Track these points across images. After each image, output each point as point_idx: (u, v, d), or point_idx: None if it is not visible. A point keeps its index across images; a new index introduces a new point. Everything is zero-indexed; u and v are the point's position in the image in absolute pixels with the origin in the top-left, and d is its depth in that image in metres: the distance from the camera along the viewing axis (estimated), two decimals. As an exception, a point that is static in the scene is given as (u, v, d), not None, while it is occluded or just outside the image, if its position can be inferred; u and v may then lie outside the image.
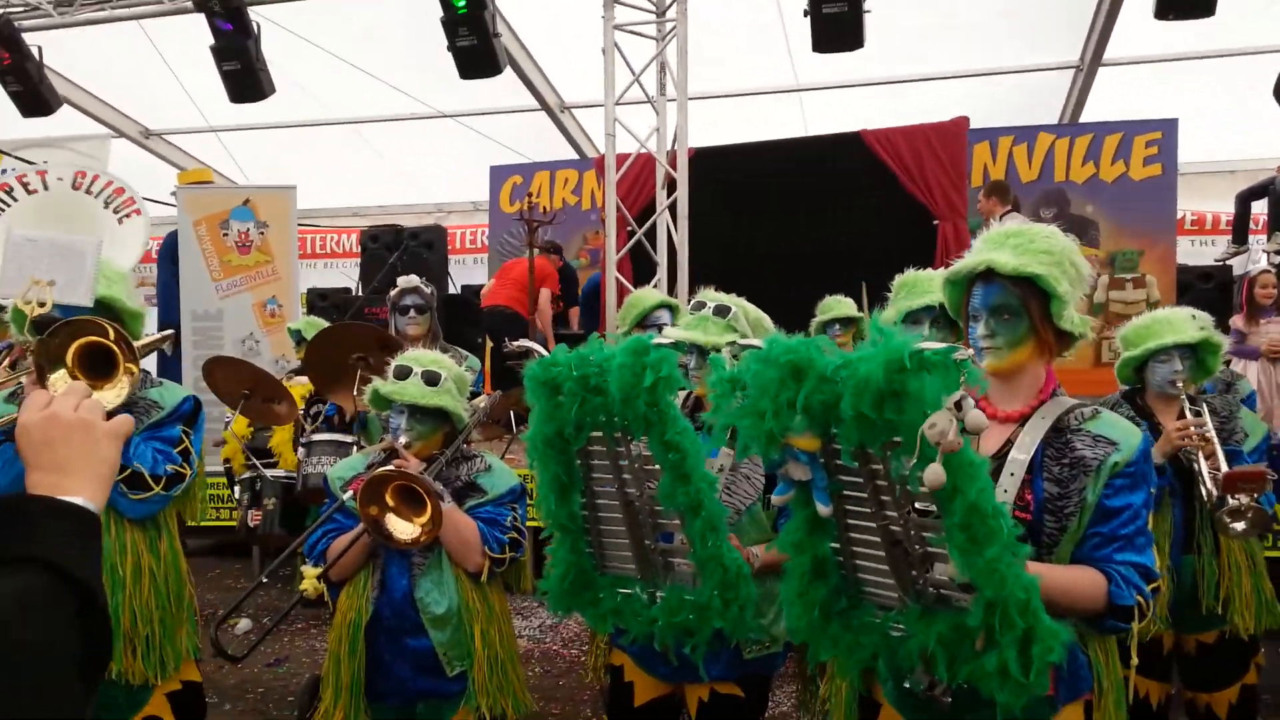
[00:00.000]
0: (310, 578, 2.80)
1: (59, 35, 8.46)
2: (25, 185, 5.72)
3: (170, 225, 9.38)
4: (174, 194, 9.19)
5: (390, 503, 2.78)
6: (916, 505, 1.74)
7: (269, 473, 5.63)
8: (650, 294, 5.58)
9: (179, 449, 2.88)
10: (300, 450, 4.98)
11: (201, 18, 7.56)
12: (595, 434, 2.31)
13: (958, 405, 1.61)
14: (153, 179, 11.25)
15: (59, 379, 2.18)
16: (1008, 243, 2.07)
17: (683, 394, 2.88)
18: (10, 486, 2.78)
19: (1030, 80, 10.02)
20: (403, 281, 5.12)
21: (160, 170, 11.64)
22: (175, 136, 12.06)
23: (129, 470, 2.75)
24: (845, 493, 1.83)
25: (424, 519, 2.75)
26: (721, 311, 2.84)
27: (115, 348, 2.25)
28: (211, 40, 7.63)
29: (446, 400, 3.01)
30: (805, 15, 6.77)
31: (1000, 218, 7.45)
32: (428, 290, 5.13)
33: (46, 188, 5.60)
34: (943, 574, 1.76)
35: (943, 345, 1.65)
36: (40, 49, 8.26)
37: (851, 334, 5.95)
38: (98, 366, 2.25)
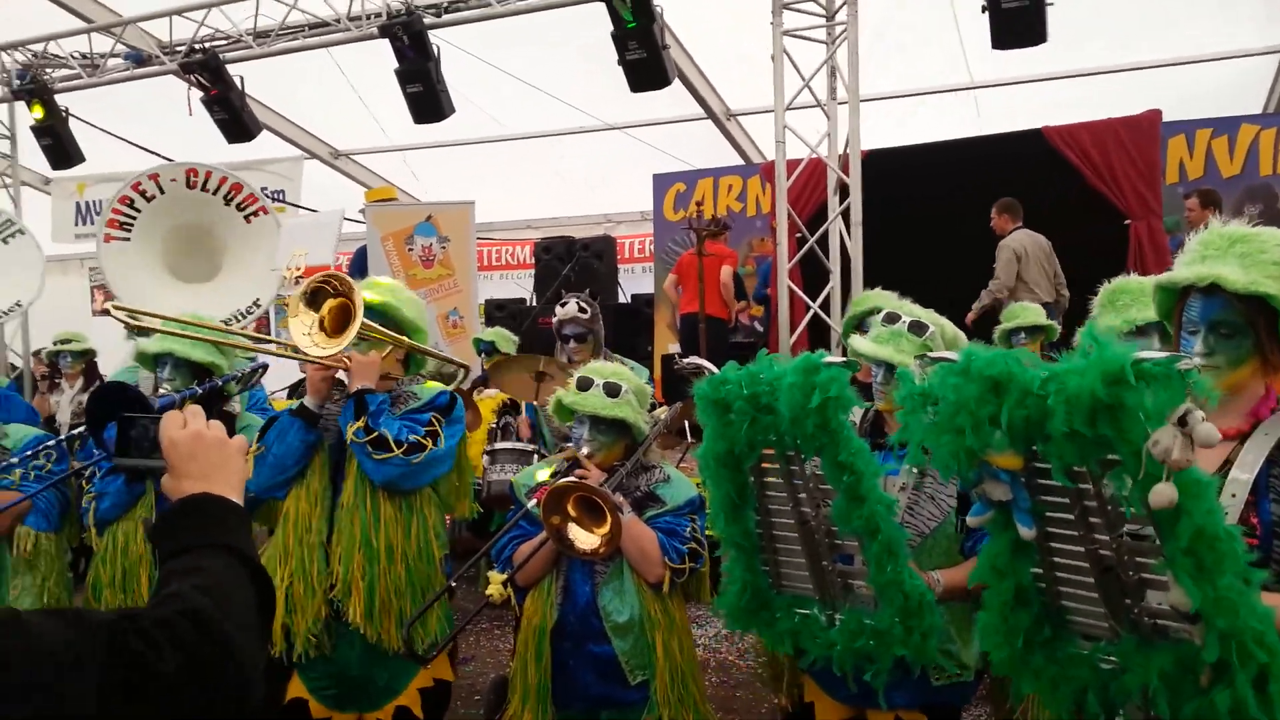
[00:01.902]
0: (496, 583, 2.87)
1: (257, 65, 9.07)
2: (143, 193, 6.14)
3: (360, 241, 9.92)
4: (363, 211, 9.72)
5: (572, 513, 2.83)
6: (1128, 528, 1.63)
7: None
8: (874, 297, 5.36)
9: (427, 429, 3.03)
10: (485, 458, 5.16)
11: (386, 43, 7.95)
12: (767, 452, 2.28)
13: (1181, 420, 1.49)
14: (342, 197, 11.93)
15: (305, 315, 2.79)
16: (1232, 250, 1.85)
17: (860, 412, 2.81)
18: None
19: (1229, 68, 9.31)
20: (560, 312, 5.12)
21: (349, 188, 12.32)
22: (362, 156, 12.74)
23: (375, 433, 2.93)
24: (1049, 514, 1.72)
25: (604, 530, 2.77)
26: (918, 329, 2.70)
27: (355, 309, 2.72)
28: (395, 64, 8.02)
29: (627, 412, 3.04)
30: (983, 11, 6.51)
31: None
32: (585, 315, 5.12)
33: (162, 191, 6.00)
34: (1161, 602, 1.62)
35: (1165, 355, 1.53)
36: (242, 79, 8.88)
37: (1039, 342, 5.67)
38: (342, 323, 2.77)
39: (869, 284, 7.37)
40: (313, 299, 2.83)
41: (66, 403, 7.80)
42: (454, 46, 8.53)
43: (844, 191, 7.01)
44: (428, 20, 7.97)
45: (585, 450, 3.04)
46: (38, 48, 9.56)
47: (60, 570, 3.43)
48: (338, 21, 8.40)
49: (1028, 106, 9.47)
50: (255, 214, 5.87)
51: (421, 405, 3.13)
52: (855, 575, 2.27)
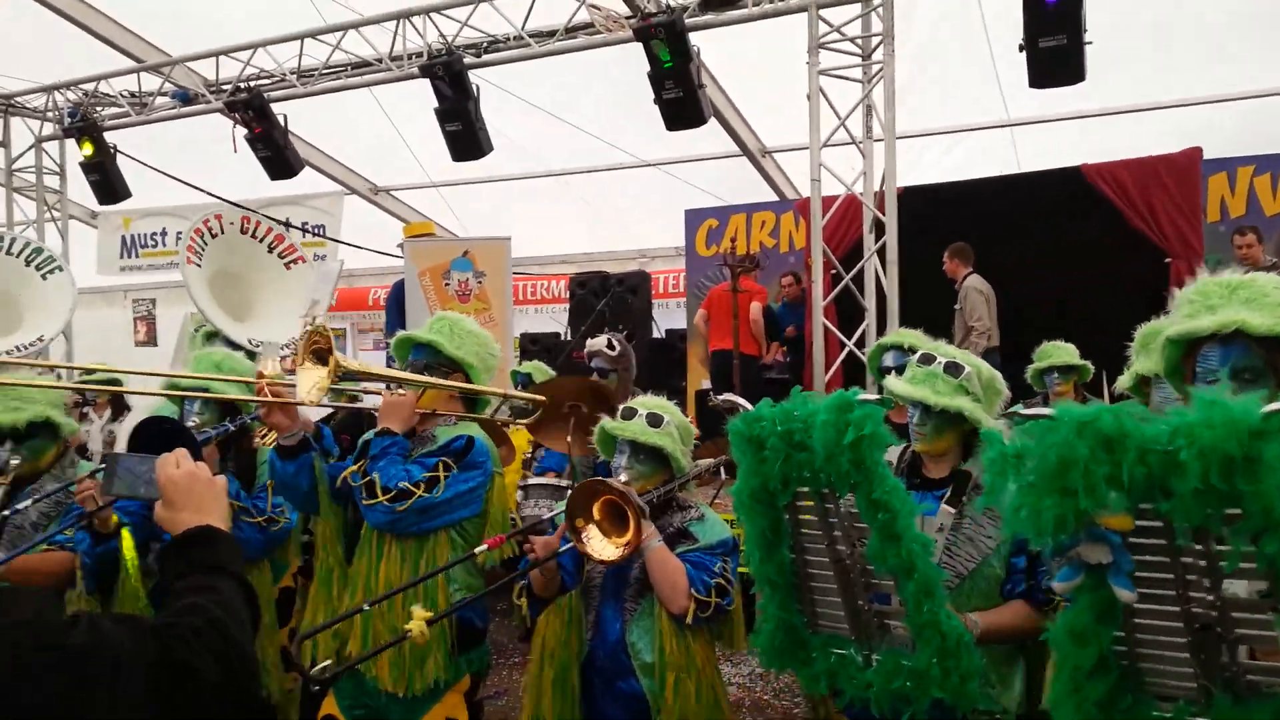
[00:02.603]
0: (419, 619, 2.84)
1: (300, 103, 9.26)
2: (210, 230, 6.34)
3: (398, 275, 10.03)
4: (400, 246, 9.84)
5: (596, 517, 2.80)
6: (1231, 585, 1.59)
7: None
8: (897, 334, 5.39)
9: (427, 475, 3.01)
10: (519, 493, 5.17)
11: (426, 83, 8.09)
12: (802, 489, 2.27)
13: None
14: (382, 232, 12.10)
15: (312, 371, 2.90)
16: (1235, 296, 1.87)
17: (897, 451, 2.79)
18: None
19: (1271, 105, 9.22)
20: (590, 343, 5.20)
21: (388, 224, 12.49)
22: (401, 192, 12.92)
23: (367, 478, 2.96)
24: (1142, 574, 1.66)
25: (624, 540, 2.74)
26: (954, 369, 2.67)
27: (330, 360, 2.84)
28: (435, 103, 8.15)
29: (667, 441, 3.03)
30: (1020, 50, 6.50)
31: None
32: (613, 352, 5.16)
33: (223, 231, 6.21)
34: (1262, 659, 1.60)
35: None
36: (285, 117, 9.06)
37: (1073, 382, 5.60)
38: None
39: (904, 322, 7.35)
40: (319, 356, 2.93)
41: (97, 432, 7.92)
42: (492, 84, 8.66)
43: (879, 229, 7.00)
44: (467, 60, 8.11)
45: (624, 478, 3.02)
46: (89, 86, 9.83)
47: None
48: (379, 61, 8.56)
49: (1066, 144, 9.44)
50: (294, 262, 6.07)
51: (434, 450, 3.12)
52: (892, 615, 2.24)
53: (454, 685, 3.10)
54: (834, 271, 7.30)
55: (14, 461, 3.30)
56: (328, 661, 2.82)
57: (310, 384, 2.89)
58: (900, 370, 4.79)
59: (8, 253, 6.18)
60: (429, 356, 3.21)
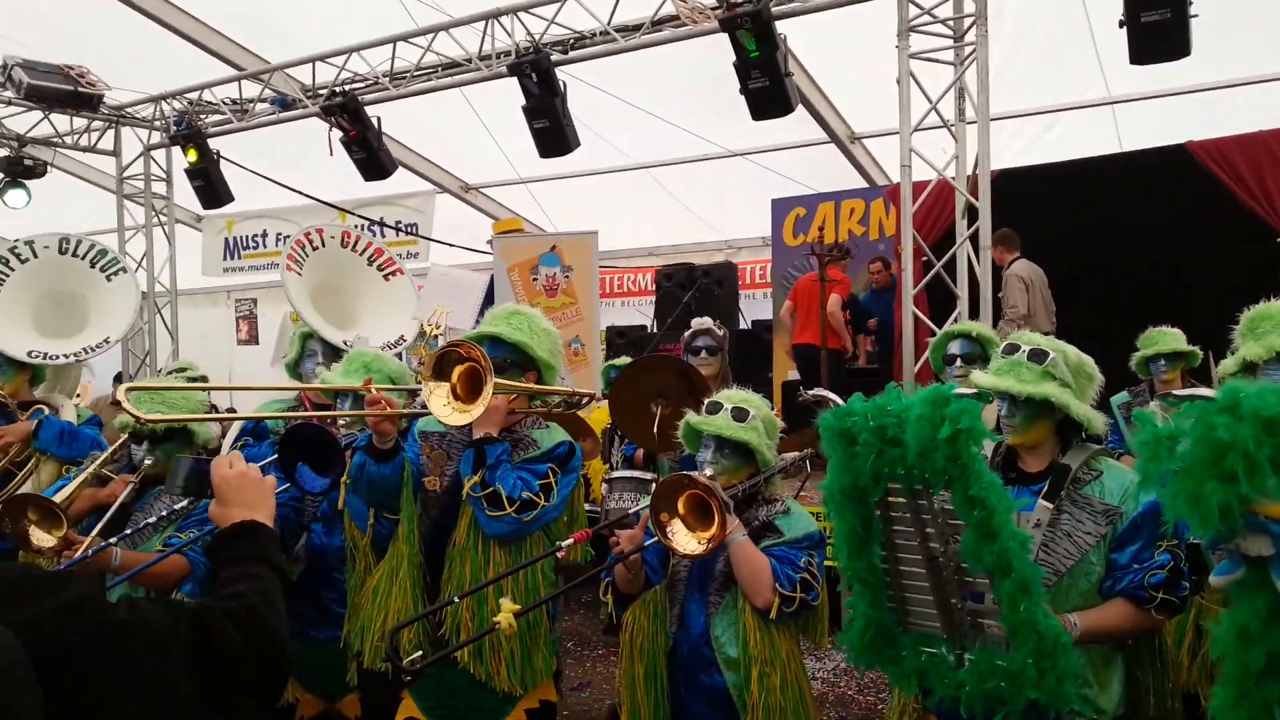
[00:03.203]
0: (507, 611, 2.86)
1: (393, 105, 9.45)
2: (311, 242, 6.51)
3: (487, 271, 10.20)
4: (490, 243, 10.00)
5: (681, 511, 2.82)
6: None
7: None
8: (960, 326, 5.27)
9: (541, 482, 3.06)
10: (603, 486, 5.21)
11: (514, 81, 8.18)
12: (894, 485, 2.24)
13: None
14: (472, 229, 12.30)
15: (438, 389, 2.87)
16: None
17: (991, 446, 2.73)
18: None
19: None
20: (695, 323, 5.24)
21: (478, 221, 12.68)
22: (490, 189, 13.11)
23: (490, 489, 2.99)
24: None
25: (708, 534, 2.75)
26: (1038, 356, 2.59)
27: (485, 374, 2.80)
28: (523, 101, 8.23)
29: (752, 436, 3.03)
30: (1120, 26, 6.26)
31: None
32: (720, 332, 5.21)
33: (324, 244, 6.39)
34: None
35: None
36: (379, 119, 9.27)
37: (1179, 370, 5.38)
38: (474, 385, 2.85)
39: (998, 310, 7.18)
40: (439, 369, 2.90)
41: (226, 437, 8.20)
42: (579, 80, 8.71)
43: (972, 214, 6.84)
44: (554, 57, 8.17)
45: (708, 472, 3.03)
46: (193, 95, 10.21)
47: None
48: (469, 61, 8.69)
49: (1171, 120, 9.04)
50: (392, 274, 6.23)
51: (540, 455, 3.16)
52: (986, 614, 2.20)
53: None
54: (925, 259, 7.17)
55: (147, 461, 3.45)
56: (417, 653, 2.88)
57: (441, 403, 2.89)
58: (966, 360, 4.72)
59: (74, 254, 6.43)
60: (510, 354, 3.22)
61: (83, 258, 6.41)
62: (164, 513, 3.37)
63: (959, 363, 4.81)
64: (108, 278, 6.48)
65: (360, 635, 3.24)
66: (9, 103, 9.65)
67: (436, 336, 3.03)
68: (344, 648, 3.40)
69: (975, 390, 2.54)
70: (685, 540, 2.78)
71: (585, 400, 3.66)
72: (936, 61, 6.91)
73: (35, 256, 6.25)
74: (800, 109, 8.24)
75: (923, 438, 2.05)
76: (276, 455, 3.05)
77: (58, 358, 5.97)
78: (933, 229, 8.05)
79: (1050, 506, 2.49)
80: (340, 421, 3.56)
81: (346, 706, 3.59)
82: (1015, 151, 9.69)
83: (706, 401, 3.16)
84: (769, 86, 7.12)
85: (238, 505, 1.81)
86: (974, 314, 6.81)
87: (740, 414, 3.05)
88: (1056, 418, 2.57)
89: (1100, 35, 8.03)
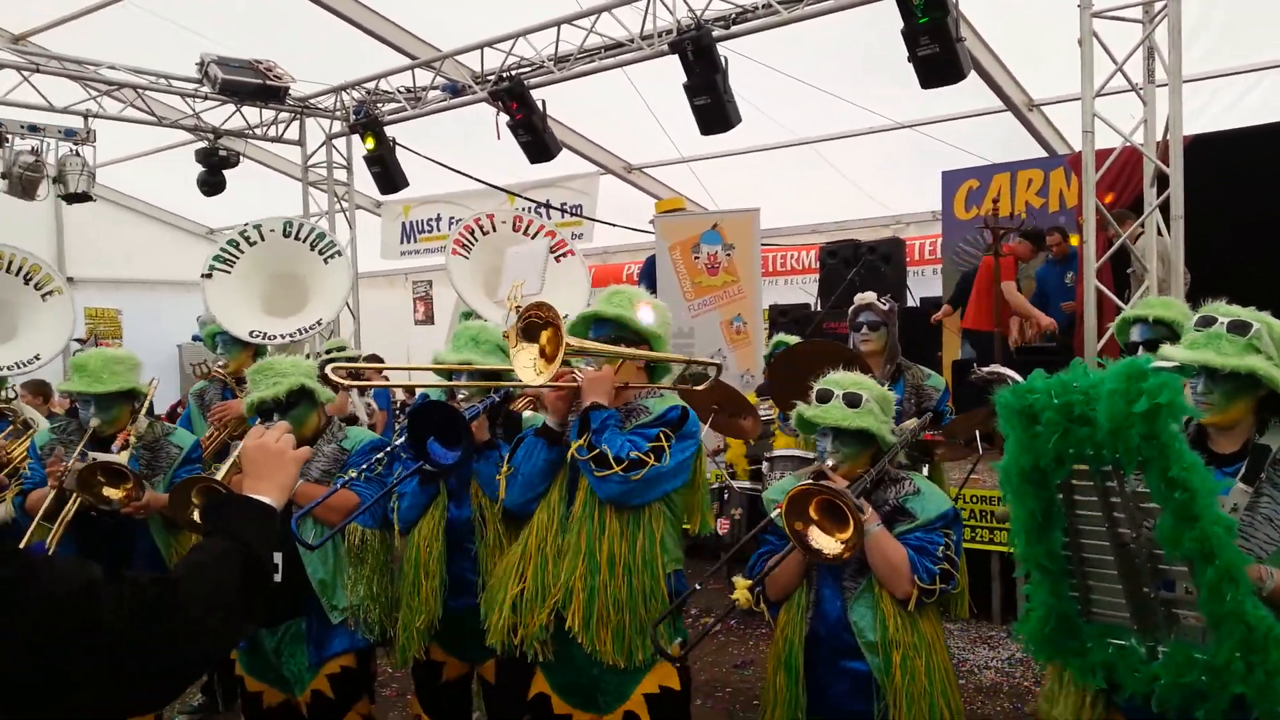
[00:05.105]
0: (742, 588, 2.87)
1: (557, 88, 9.61)
2: (480, 227, 6.67)
3: (649, 251, 10.27)
4: (652, 222, 10.05)
5: (814, 517, 2.81)
6: None
7: (735, 484, 5.91)
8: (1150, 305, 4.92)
9: (651, 444, 3.03)
10: (764, 464, 5.17)
11: (676, 59, 8.17)
12: (1079, 467, 2.12)
13: None
14: (635, 210, 12.39)
15: (526, 350, 2.90)
16: None
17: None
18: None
19: None
20: (858, 298, 5.12)
21: (641, 201, 12.77)
22: (653, 169, 13.16)
23: (597, 450, 2.99)
24: None
25: (846, 534, 2.74)
26: (1239, 328, 2.39)
27: (560, 335, 2.81)
28: (684, 79, 8.21)
29: (869, 421, 3.00)
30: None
31: None
32: (884, 306, 5.06)
33: (494, 229, 6.53)
34: None
35: None
36: (544, 102, 9.44)
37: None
38: (555, 348, 2.84)
39: (1192, 287, 6.69)
40: (528, 333, 2.91)
41: (359, 400, 8.58)
42: (740, 55, 8.62)
43: (1162, 182, 6.40)
44: (716, 33, 8.10)
45: (830, 463, 3.02)
46: (370, 85, 10.68)
47: (385, 564, 3.74)
48: (631, 41, 8.73)
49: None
50: (564, 256, 6.35)
51: (651, 420, 3.13)
52: (1182, 603, 2.05)
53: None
54: (1110, 232, 6.75)
55: None
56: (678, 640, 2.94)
57: (527, 363, 2.91)
58: (1150, 346, 4.38)
59: (296, 237, 6.78)
60: (614, 330, 3.21)
61: (304, 240, 6.82)
62: (325, 468, 3.72)
63: (1141, 351, 4.49)
64: (325, 260, 6.86)
65: (490, 607, 3.27)
66: (205, 97, 10.34)
67: (516, 309, 3.09)
68: (482, 613, 3.50)
69: (1175, 364, 2.35)
70: (825, 543, 2.78)
71: (710, 371, 3.60)
72: (1122, 20, 6.48)
73: (263, 239, 6.69)
74: (973, 76, 7.88)
75: (1116, 414, 1.92)
76: (406, 433, 3.18)
77: (275, 338, 6.37)
78: (1118, 199, 7.58)
79: (1249, 490, 2.31)
80: (460, 394, 3.62)
81: (486, 670, 3.69)
82: (1213, 116, 8.99)
83: (816, 389, 3.12)
84: (939, 53, 6.84)
85: (250, 476, 1.84)
86: (1163, 289, 6.39)
87: (853, 399, 3.02)
88: (1258, 394, 2.38)
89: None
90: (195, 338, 6.16)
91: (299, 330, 6.62)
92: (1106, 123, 6.45)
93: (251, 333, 6.08)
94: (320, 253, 6.83)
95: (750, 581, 2.85)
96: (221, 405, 5.27)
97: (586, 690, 3.17)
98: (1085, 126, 6.32)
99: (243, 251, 6.64)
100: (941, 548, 2.88)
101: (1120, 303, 6.52)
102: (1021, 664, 5.63)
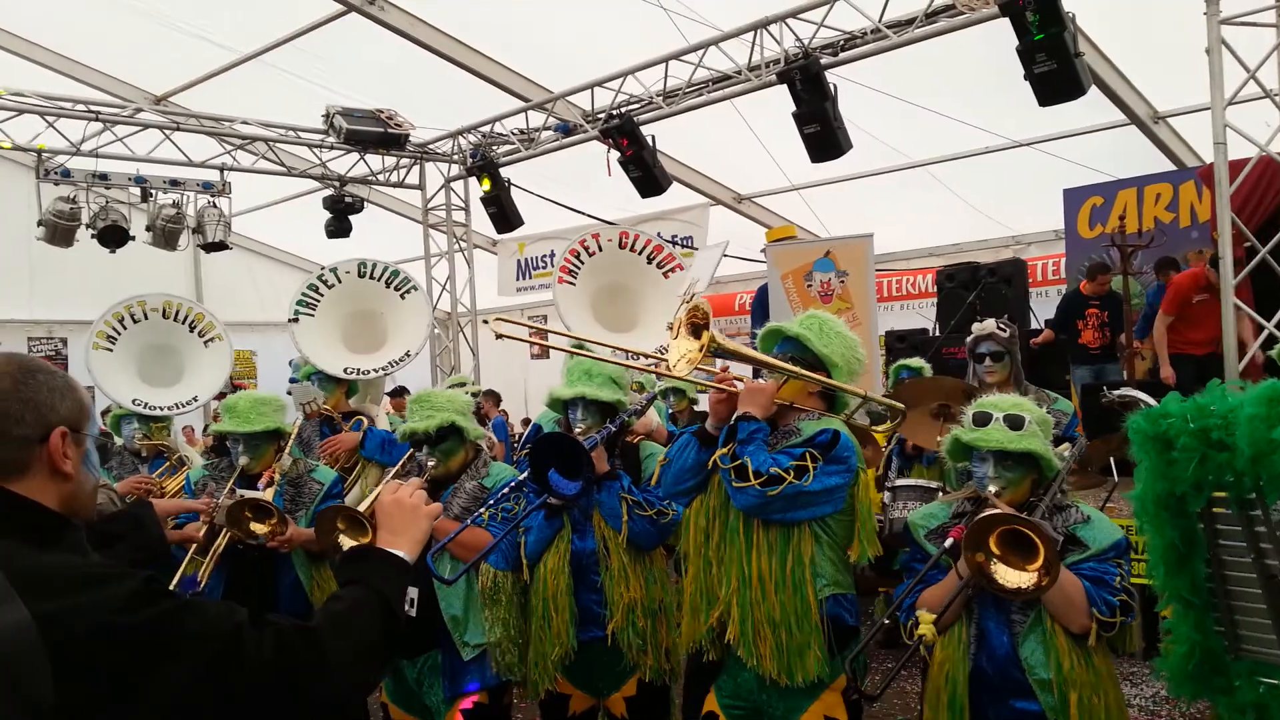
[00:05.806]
0: (926, 622, 2.76)
1: (666, 122, 9.72)
2: (586, 249, 6.76)
3: (761, 279, 10.23)
4: (764, 251, 10.03)
5: (995, 550, 2.65)
6: None
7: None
8: None
9: (795, 463, 2.98)
10: (886, 494, 5.07)
11: (784, 88, 8.17)
12: (1219, 495, 2.02)
13: None
14: (746, 239, 12.39)
15: (683, 342, 3.10)
16: None
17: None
18: None
19: None
20: (977, 328, 4.95)
21: (752, 230, 12.76)
22: (763, 198, 13.16)
23: (738, 461, 2.98)
24: None
25: (1036, 565, 2.57)
26: None
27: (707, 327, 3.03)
28: (793, 107, 8.20)
29: (1035, 444, 2.86)
30: None
31: None
32: (1004, 333, 4.89)
33: (600, 249, 6.61)
34: None
35: None
36: (653, 137, 9.57)
37: None
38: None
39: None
40: (694, 329, 3.07)
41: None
42: (849, 81, 8.57)
43: (1304, 192, 6.07)
44: (824, 60, 8.08)
45: (992, 489, 2.87)
46: (485, 128, 11.02)
47: (517, 604, 3.78)
48: (739, 73, 8.78)
49: None
50: (672, 270, 6.38)
51: (799, 441, 3.10)
52: (1342, 642, 1.93)
53: (831, 684, 3.05)
54: (1247, 244, 6.43)
55: (431, 464, 3.76)
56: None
57: (681, 355, 3.03)
58: None
59: (370, 277, 6.98)
60: (795, 350, 3.22)
61: (378, 279, 7.04)
62: (466, 505, 3.73)
63: None
64: (401, 295, 7.07)
65: (634, 637, 3.37)
66: (331, 147, 10.83)
67: (686, 301, 3.25)
68: (610, 646, 3.50)
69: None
70: (1014, 577, 2.62)
71: (892, 415, 3.53)
72: (1253, 25, 6.20)
73: (340, 281, 6.94)
74: (1093, 90, 7.65)
75: (1257, 440, 1.83)
76: (528, 466, 3.23)
77: (368, 373, 6.58)
78: (1256, 211, 7.19)
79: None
80: (576, 427, 3.69)
81: (613, 705, 3.69)
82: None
83: (972, 412, 2.98)
84: (1057, 69, 6.67)
85: (385, 530, 1.90)
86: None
87: (1016, 421, 2.87)
88: None
89: None
90: (292, 379, 6.39)
91: (389, 364, 6.83)
92: (1240, 133, 6.17)
93: (346, 369, 6.29)
94: (396, 289, 7.04)
95: (935, 615, 2.71)
96: (332, 440, 5.45)
97: (755, 713, 3.16)
98: (1217, 138, 6.06)
99: (322, 295, 6.88)
100: (1118, 578, 2.73)
101: (1263, 320, 6.20)
102: (1167, 701, 5.34)
